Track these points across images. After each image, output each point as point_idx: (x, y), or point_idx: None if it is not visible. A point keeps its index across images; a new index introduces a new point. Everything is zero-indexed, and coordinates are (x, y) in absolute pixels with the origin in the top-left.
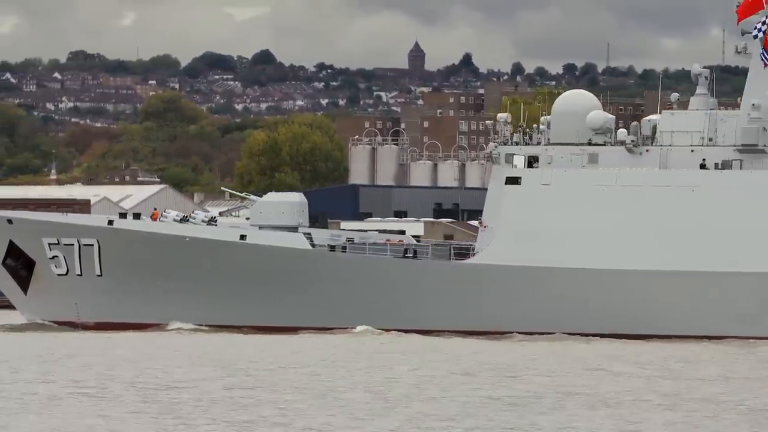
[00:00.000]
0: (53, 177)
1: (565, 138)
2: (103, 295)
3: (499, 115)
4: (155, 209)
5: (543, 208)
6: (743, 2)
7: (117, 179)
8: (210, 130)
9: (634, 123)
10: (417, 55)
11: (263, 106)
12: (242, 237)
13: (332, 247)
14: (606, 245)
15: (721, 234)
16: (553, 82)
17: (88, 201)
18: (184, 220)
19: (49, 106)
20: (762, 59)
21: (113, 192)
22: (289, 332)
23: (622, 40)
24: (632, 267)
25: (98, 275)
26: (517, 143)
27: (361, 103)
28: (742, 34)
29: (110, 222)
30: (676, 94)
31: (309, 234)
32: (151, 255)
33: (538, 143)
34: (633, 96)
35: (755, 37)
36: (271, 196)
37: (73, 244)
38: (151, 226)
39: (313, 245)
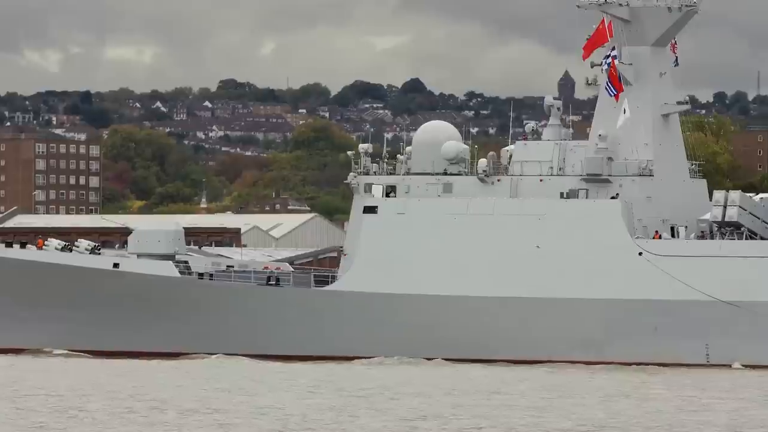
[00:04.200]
0: (203, 206)
1: (423, 168)
2: None
3: (361, 146)
4: (40, 238)
5: (398, 237)
6: (591, 37)
7: (267, 208)
8: None
9: (491, 153)
10: (565, 83)
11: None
12: (115, 265)
13: (200, 275)
14: (456, 272)
15: (566, 261)
16: (704, 111)
17: (239, 229)
18: (65, 248)
19: (200, 134)
20: (607, 90)
21: (263, 220)
22: (161, 358)
23: (758, 67)
24: (481, 294)
25: None
26: (376, 173)
27: (512, 131)
28: (592, 66)
29: None
30: (531, 125)
31: (186, 262)
32: (30, 282)
33: (400, 173)
34: None
35: (602, 69)
36: (148, 225)
37: None
38: (30, 255)
39: (188, 273)
